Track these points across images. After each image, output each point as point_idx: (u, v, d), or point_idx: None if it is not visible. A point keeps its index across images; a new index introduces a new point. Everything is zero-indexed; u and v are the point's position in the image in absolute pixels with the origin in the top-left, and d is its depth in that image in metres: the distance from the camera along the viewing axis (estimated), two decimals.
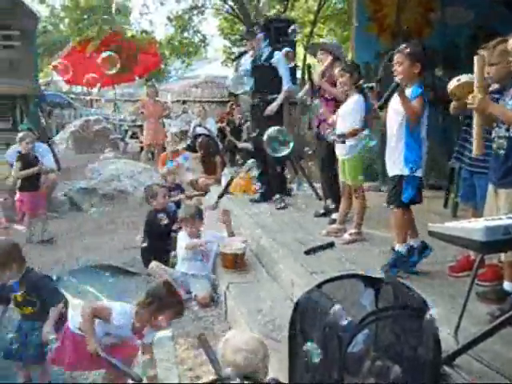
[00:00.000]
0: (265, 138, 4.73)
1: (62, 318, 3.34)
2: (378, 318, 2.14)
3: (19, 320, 3.47)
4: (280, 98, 5.86)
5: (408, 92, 3.57)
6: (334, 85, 5.03)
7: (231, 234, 5.07)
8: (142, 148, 11.74)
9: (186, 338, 3.95)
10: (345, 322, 2.13)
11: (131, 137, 13.67)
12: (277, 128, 4.75)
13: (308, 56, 13.37)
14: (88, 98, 22.06)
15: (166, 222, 5.32)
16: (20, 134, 6.75)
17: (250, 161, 6.39)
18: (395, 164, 3.68)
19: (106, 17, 21.49)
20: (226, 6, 16.67)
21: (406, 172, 3.61)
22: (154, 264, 4.86)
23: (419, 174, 3.64)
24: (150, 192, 5.71)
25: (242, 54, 6.48)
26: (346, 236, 4.63)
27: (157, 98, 10.98)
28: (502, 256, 3.11)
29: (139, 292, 3.81)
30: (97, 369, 3.31)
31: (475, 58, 2.87)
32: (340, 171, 4.84)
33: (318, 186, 6.27)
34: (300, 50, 15.49)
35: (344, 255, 4.25)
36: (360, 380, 2.12)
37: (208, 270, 4.87)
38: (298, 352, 2.40)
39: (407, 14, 7.54)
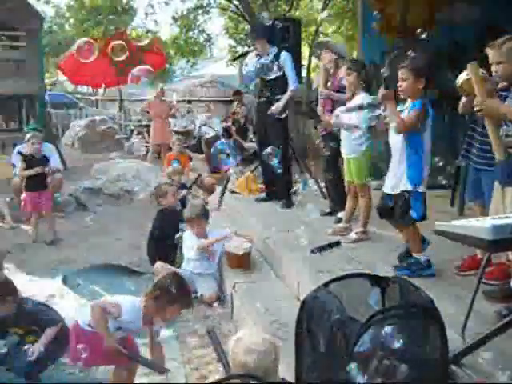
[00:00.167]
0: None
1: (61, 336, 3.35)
2: (385, 317, 2.14)
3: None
4: (285, 97, 5.85)
5: (408, 105, 3.59)
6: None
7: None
8: (147, 148, 11.75)
9: (193, 337, 3.96)
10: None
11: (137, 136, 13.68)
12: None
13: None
14: (93, 97, 22.10)
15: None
16: (28, 135, 6.78)
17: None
18: (401, 181, 3.68)
19: (111, 17, 21.50)
20: (231, 6, 16.65)
21: (409, 188, 3.61)
22: (158, 264, 4.87)
23: (422, 189, 3.64)
24: (160, 191, 5.72)
25: (242, 55, 6.48)
26: (352, 235, 4.62)
27: (163, 98, 11.00)
28: (510, 254, 3.10)
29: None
30: (113, 364, 3.28)
31: (468, 67, 2.93)
32: (346, 171, 4.83)
33: (322, 185, 6.27)
34: (305, 49, 15.47)
35: (350, 254, 4.25)
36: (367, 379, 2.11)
37: (214, 268, 4.87)
38: (305, 351, 2.40)
39: (413, 13, 7.49)
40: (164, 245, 5.28)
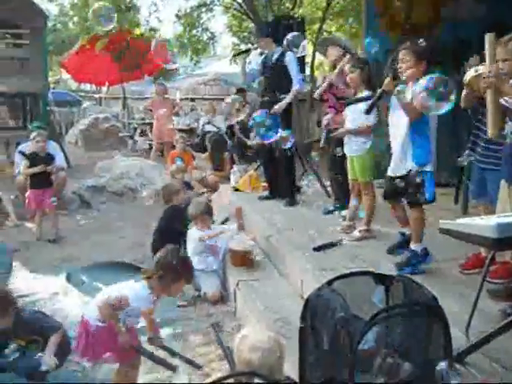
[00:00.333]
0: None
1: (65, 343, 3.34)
2: (389, 315, 2.13)
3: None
4: (289, 97, 5.84)
5: (410, 89, 3.56)
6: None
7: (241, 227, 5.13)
8: (150, 146, 11.76)
9: (196, 336, 3.96)
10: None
11: (140, 135, 13.70)
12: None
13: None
14: (97, 95, 22.13)
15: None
16: (33, 133, 6.79)
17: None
18: (406, 161, 3.66)
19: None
20: (235, 3, 16.62)
21: (415, 167, 3.59)
22: None
23: (430, 168, 3.63)
24: (169, 190, 5.70)
25: (244, 52, 6.47)
26: (356, 233, 4.62)
27: (166, 96, 10.99)
28: None
29: None
30: (121, 360, 3.26)
31: (485, 37, 2.86)
32: (349, 169, 4.82)
33: (327, 183, 6.26)
34: (309, 47, 15.42)
35: (354, 252, 4.24)
36: (371, 377, 2.11)
37: (217, 265, 4.88)
38: (308, 349, 2.40)
39: (417, 10, 7.46)
40: (171, 242, 5.27)
